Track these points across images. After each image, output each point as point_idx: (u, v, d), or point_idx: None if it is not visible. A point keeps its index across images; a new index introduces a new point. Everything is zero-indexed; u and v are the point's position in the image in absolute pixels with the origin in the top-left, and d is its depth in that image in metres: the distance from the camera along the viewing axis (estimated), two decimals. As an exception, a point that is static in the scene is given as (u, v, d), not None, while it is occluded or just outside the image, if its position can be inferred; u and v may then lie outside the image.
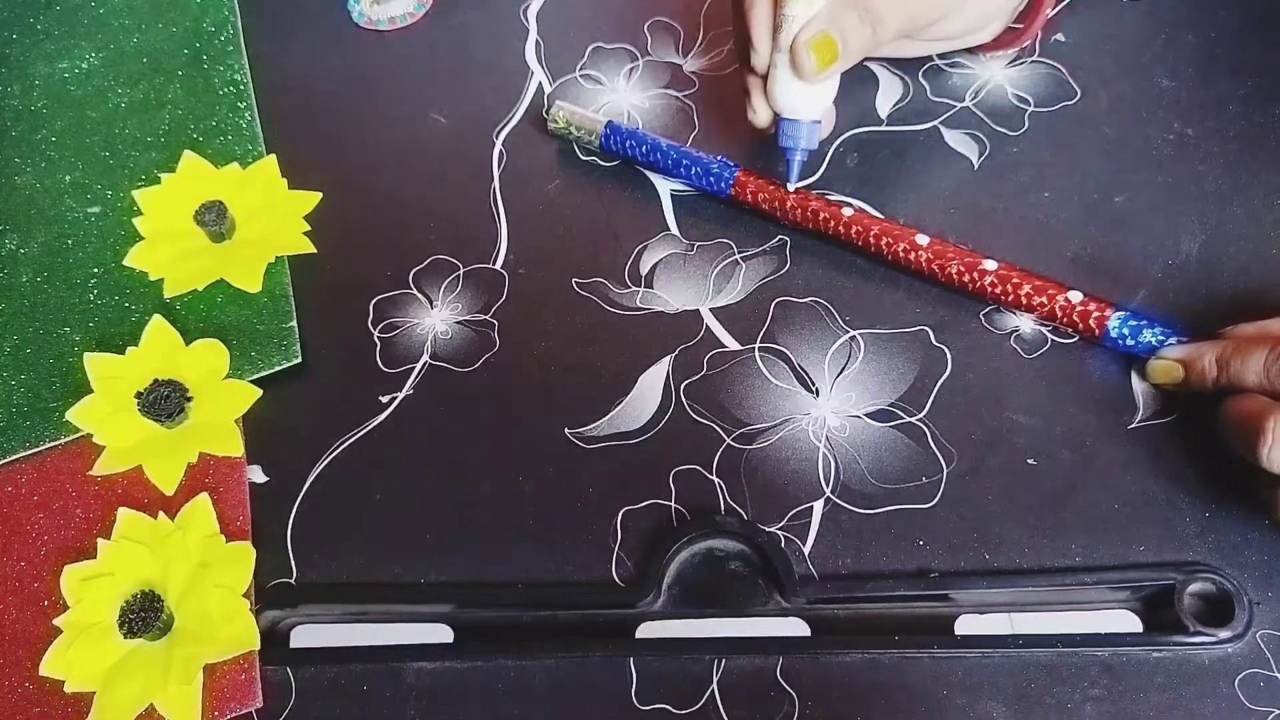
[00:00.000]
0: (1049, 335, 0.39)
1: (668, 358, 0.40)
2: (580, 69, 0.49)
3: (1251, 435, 0.33)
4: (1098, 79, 0.45)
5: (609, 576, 0.36)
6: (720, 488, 0.37)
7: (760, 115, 0.42)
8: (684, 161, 0.43)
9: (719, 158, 0.43)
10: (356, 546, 0.37)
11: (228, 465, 0.38)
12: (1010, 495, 0.36)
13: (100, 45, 0.51)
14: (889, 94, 0.46)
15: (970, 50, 0.45)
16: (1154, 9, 0.47)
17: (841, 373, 0.39)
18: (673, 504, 0.37)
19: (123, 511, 0.37)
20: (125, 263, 0.43)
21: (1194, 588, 0.34)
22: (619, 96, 0.47)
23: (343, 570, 0.37)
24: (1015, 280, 0.38)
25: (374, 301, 0.42)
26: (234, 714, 0.34)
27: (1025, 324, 0.39)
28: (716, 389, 0.39)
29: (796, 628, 0.35)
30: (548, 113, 0.46)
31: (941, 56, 0.47)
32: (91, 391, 0.40)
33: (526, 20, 0.51)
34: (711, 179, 0.42)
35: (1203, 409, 0.36)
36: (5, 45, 0.51)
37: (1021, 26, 0.44)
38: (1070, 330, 0.39)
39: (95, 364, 0.40)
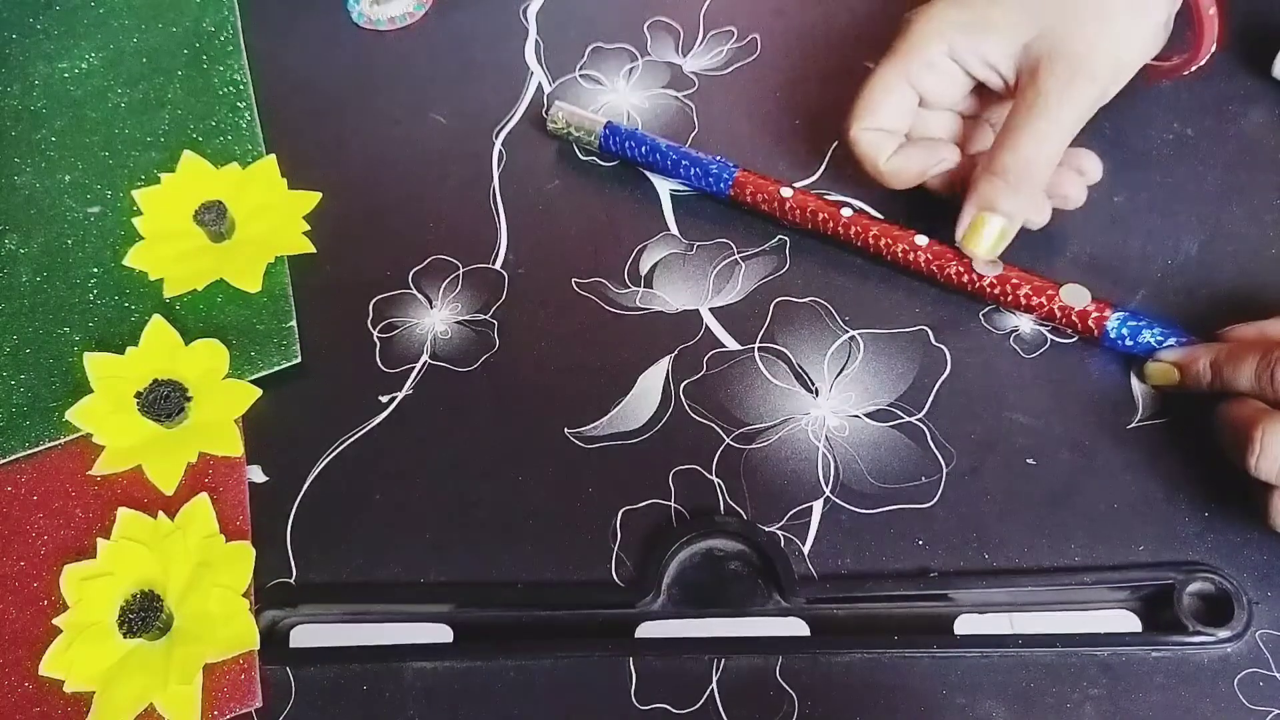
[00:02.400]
0: (1048, 335, 0.39)
1: (667, 357, 0.40)
2: (580, 69, 0.49)
3: (1241, 443, 0.33)
4: (1097, 79, 0.45)
5: (608, 576, 0.36)
6: (720, 487, 0.37)
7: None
8: (683, 162, 0.43)
9: (718, 158, 0.43)
10: (356, 546, 0.37)
11: (227, 465, 0.38)
12: (1010, 495, 0.36)
13: (100, 45, 0.51)
14: (889, 94, 0.46)
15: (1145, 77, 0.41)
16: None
17: (841, 372, 0.39)
18: (672, 504, 0.37)
19: (122, 511, 0.37)
20: (125, 262, 0.43)
21: (1193, 587, 0.34)
22: (618, 96, 0.47)
23: (342, 570, 0.37)
24: (1014, 281, 0.38)
25: (373, 301, 0.42)
26: (233, 714, 0.34)
27: (1025, 324, 0.39)
28: (716, 389, 0.39)
29: (796, 627, 0.35)
30: (547, 113, 0.46)
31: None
32: (91, 391, 0.40)
33: (526, 20, 0.51)
34: (711, 179, 0.42)
35: (1202, 409, 0.36)
36: (5, 45, 0.51)
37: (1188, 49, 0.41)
38: (1069, 331, 0.39)
39: (95, 364, 0.40)
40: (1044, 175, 0.38)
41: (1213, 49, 0.40)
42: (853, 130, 0.40)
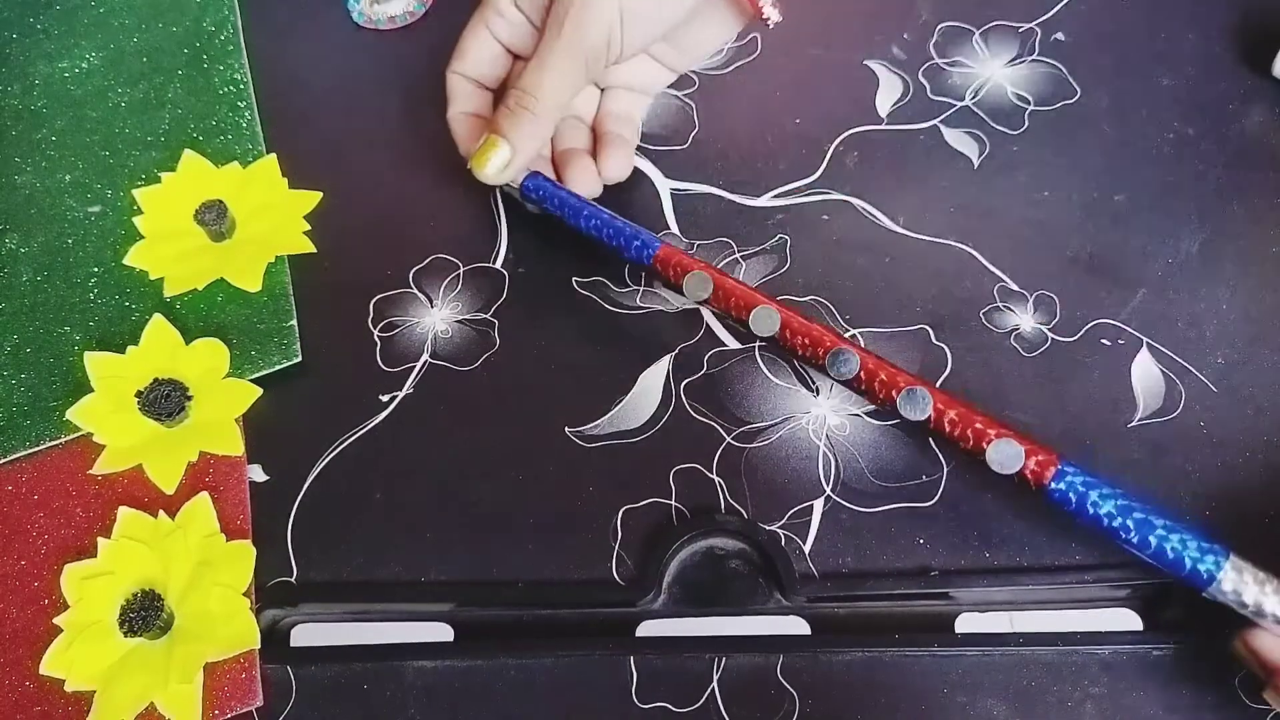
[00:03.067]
0: (1049, 334, 0.39)
1: (668, 356, 0.40)
2: (580, 68, 0.49)
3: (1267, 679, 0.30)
4: (1098, 78, 0.45)
5: (609, 575, 0.36)
6: (720, 486, 0.37)
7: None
8: (605, 230, 0.39)
9: (640, 232, 0.39)
10: (356, 545, 0.37)
11: (228, 464, 0.38)
12: (1010, 493, 0.36)
13: (100, 45, 0.51)
14: (889, 92, 0.46)
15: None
16: (1154, 7, 0.47)
17: (841, 371, 0.39)
18: (673, 502, 0.37)
19: (123, 510, 0.37)
20: (125, 262, 0.43)
21: (1194, 586, 0.34)
22: (619, 96, 0.47)
23: (343, 569, 0.37)
24: (953, 416, 0.33)
25: (374, 301, 0.42)
26: (234, 713, 0.34)
27: (1026, 322, 0.39)
28: (716, 388, 0.39)
29: (797, 626, 0.35)
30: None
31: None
32: (92, 390, 0.40)
33: (526, 20, 0.51)
34: (632, 253, 0.39)
35: (1204, 408, 0.36)
36: (5, 45, 0.51)
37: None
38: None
39: (95, 363, 0.40)
40: (547, 109, 0.39)
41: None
42: (447, 71, 0.42)
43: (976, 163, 0.43)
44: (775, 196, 0.43)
